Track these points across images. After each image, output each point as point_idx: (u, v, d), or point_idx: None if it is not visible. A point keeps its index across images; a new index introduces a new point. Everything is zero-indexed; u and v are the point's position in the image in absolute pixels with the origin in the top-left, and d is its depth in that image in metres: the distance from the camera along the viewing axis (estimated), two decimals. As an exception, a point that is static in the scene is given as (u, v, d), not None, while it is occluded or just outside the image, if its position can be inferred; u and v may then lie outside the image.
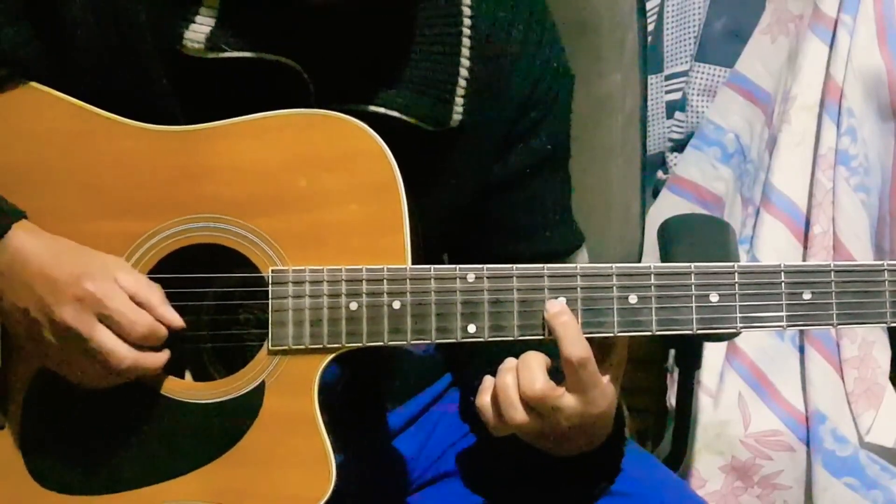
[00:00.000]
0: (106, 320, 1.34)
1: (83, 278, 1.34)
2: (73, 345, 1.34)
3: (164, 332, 1.36)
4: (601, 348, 1.33)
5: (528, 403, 1.32)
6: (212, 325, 1.42)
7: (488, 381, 1.35)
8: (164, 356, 1.37)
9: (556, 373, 1.33)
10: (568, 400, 1.32)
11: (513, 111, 1.49)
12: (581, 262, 1.55)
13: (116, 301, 1.34)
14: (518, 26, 1.48)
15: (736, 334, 1.39)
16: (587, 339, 1.32)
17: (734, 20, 2.47)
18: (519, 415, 1.32)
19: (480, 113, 1.46)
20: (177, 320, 1.37)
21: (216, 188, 1.38)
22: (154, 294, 1.36)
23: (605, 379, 1.33)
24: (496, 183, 1.50)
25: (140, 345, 1.35)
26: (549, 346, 1.34)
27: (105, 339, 1.34)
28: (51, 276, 1.35)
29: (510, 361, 1.34)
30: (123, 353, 1.34)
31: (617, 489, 1.49)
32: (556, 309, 1.33)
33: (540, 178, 1.52)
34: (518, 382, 1.32)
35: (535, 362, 1.33)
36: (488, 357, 1.43)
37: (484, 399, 1.35)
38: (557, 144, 1.53)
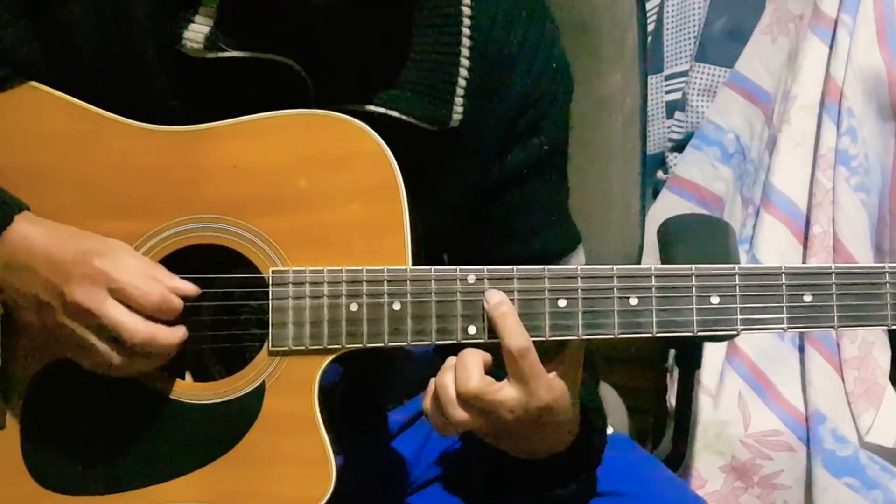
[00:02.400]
0: (117, 294, 1.33)
1: (90, 255, 1.34)
2: (87, 323, 1.34)
3: (177, 301, 1.35)
4: (554, 345, 1.34)
5: (466, 401, 1.33)
6: (212, 326, 1.42)
7: (431, 383, 1.36)
8: (179, 331, 1.36)
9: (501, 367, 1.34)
10: (508, 392, 1.32)
11: (512, 111, 1.48)
12: (577, 264, 1.55)
13: (127, 273, 1.34)
14: (518, 26, 1.48)
15: (736, 335, 1.39)
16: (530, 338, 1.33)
17: (734, 20, 2.47)
18: (459, 413, 1.33)
19: (480, 113, 1.46)
20: (189, 287, 1.36)
21: (216, 188, 1.38)
22: (160, 269, 1.36)
23: (552, 374, 1.34)
24: (494, 183, 1.50)
25: (154, 318, 1.34)
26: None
27: (117, 312, 1.33)
28: (57, 258, 1.35)
29: (450, 360, 1.35)
30: (136, 326, 1.33)
31: (617, 489, 1.49)
32: (496, 300, 1.34)
33: (537, 178, 1.52)
34: (455, 380, 1.33)
35: (472, 360, 1.33)
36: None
37: (426, 402, 1.36)
38: (555, 145, 1.53)
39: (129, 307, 1.34)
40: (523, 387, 1.32)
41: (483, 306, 1.34)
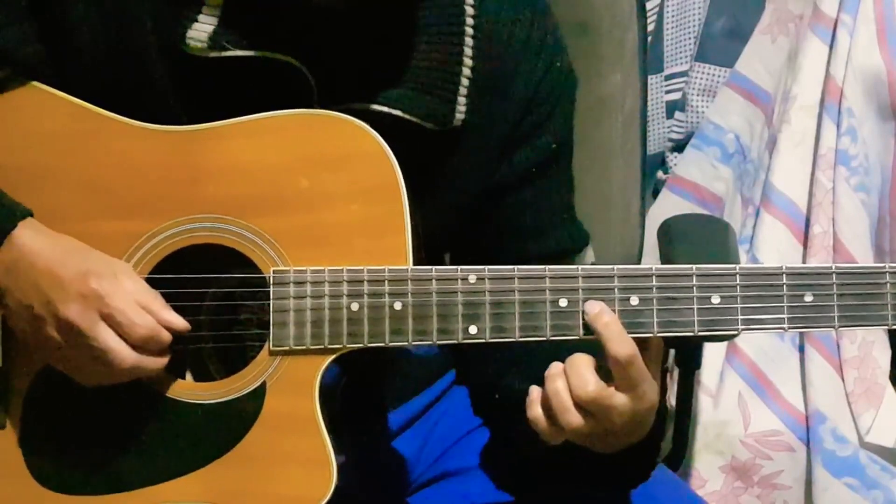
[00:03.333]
0: (108, 319, 1.34)
1: (88, 276, 1.34)
2: (76, 342, 1.34)
3: (166, 335, 1.35)
4: (638, 342, 1.33)
5: (582, 406, 1.32)
6: (213, 326, 1.42)
7: (535, 392, 1.34)
8: (163, 359, 1.36)
9: (602, 371, 1.33)
10: (620, 398, 1.32)
11: (516, 111, 1.49)
12: (589, 260, 1.56)
13: (119, 300, 1.34)
14: (521, 26, 1.48)
15: (736, 335, 1.39)
16: None
17: (734, 20, 2.48)
18: (574, 419, 1.32)
19: (483, 113, 1.46)
20: (180, 322, 1.36)
21: (218, 188, 1.38)
22: (155, 299, 1.36)
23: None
24: (503, 183, 1.50)
25: (142, 347, 1.35)
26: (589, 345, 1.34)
27: (107, 337, 1.34)
28: (57, 273, 1.35)
29: (556, 367, 1.33)
30: (125, 354, 1.34)
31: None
32: (597, 310, 1.33)
33: (546, 176, 1.52)
34: (569, 386, 1.32)
35: (584, 364, 1.32)
36: (511, 355, 1.43)
37: (535, 410, 1.34)
38: (562, 143, 1.53)
39: (119, 334, 1.34)
40: (633, 391, 1.31)
41: (486, 306, 1.34)
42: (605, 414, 1.32)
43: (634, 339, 1.32)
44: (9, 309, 1.38)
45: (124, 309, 1.34)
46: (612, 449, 1.38)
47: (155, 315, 1.35)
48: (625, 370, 1.31)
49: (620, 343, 1.31)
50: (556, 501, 1.50)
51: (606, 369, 1.32)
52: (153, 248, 1.39)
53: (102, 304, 1.33)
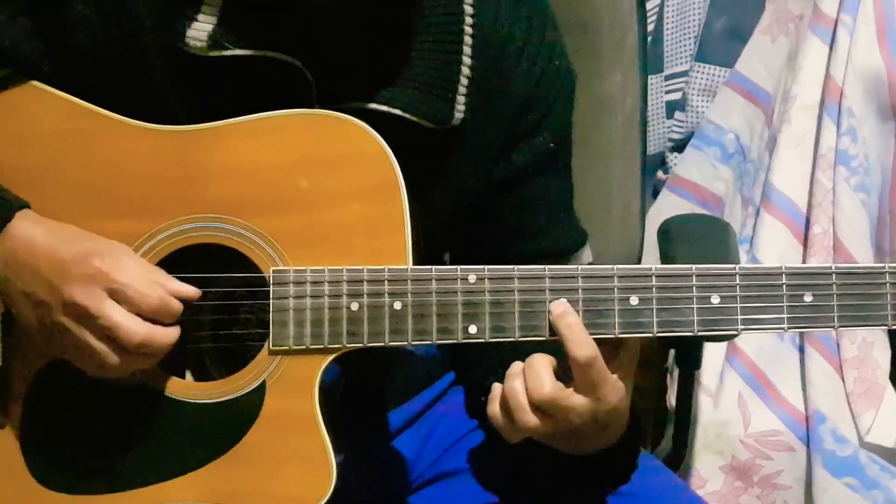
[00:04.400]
0: (116, 295, 1.33)
1: (90, 256, 1.34)
2: (84, 323, 1.34)
3: (176, 304, 1.35)
4: (612, 343, 1.33)
5: (538, 407, 1.32)
6: (213, 326, 1.42)
7: (496, 388, 1.35)
8: (175, 331, 1.36)
9: (564, 371, 1.33)
10: (578, 399, 1.32)
11: (515, 109, 1.49)
12: (587, 259, 1.56)
13: (125, 275, 1.33)
14: (519, 24, 1.48)
15: (736, 335, 1.39)
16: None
17: (734, 20, 2.47)
18: (530, 419, 1.33)
19: (483, 111, 1.46)
20: (190, 290, 1.36)
21: (217, 188, 1.38)
22: (160, 272, 1.36)
23: (615, 375, 1.33)
24: (501, 181, 1.50)
25: (152, 319, 1.34)
26: (557, 346, 1.34)
27: (115, 312, 1.33)
28: (57, 257, 1.35)
29: (516, 366, 1.34)
30: (135, 327, 1.33)
31: (617, 489, 1.48)
32: (560, 310, 1.33)
33: (544, 175, 1.53)
34: (526, 387, 1.32)
35: (541, 365, 1.33)
36: (498, 355, 1.43)
37: (494, 407, 1.35)
38: (560, 142, 1.53)
39: (128, 309, 1.34)
40: (592, 393, 1.32)
41: (486, 306, 1.34)
42: (563, 415, 1.32)
43: (597, 340, 1.32)
44: (11, 300, 1.38)
45: (131, 282, 1.33)
46: (581, 451, 1.39)
47: (163, 285, 1.35)
48: (584, 372, 1.31)
49: (580, 344, 1.31)
50: (551, 502, 1.50)
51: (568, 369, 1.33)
52: (153, 247, 1.39)
53: (109, 280, 1.33)
